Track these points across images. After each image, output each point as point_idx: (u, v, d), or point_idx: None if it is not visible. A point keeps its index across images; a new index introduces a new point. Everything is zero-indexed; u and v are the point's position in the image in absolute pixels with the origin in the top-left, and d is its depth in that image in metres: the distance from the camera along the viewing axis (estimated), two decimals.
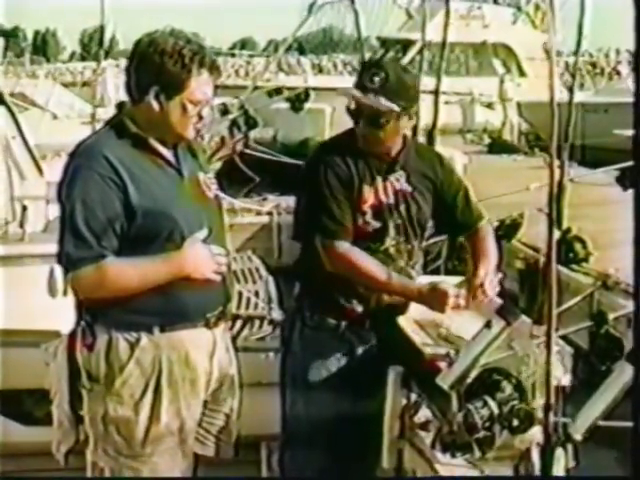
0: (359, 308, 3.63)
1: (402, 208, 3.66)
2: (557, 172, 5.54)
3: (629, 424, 2.30)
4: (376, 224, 3.61)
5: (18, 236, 5.61)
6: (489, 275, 3.57)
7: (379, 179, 3.62)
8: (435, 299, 3.45)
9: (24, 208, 5.69)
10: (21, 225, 5.64)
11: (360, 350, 3.66)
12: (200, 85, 3.06)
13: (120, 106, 3.20)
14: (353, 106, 3.57)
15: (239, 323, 4.59)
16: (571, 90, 6.18)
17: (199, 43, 3.10)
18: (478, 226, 3.83)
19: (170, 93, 3.04)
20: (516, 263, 6.87)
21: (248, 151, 9.22)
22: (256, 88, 8.90)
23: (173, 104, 3.05)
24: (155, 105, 3.05)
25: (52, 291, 4.85)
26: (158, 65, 3.01)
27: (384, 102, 3.51)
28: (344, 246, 3.52)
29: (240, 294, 5.19)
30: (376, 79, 3.51)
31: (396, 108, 3.53)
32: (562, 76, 7.13)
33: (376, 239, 3.62)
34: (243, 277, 5.73)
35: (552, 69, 2.48)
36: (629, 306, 4.89)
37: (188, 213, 3.12)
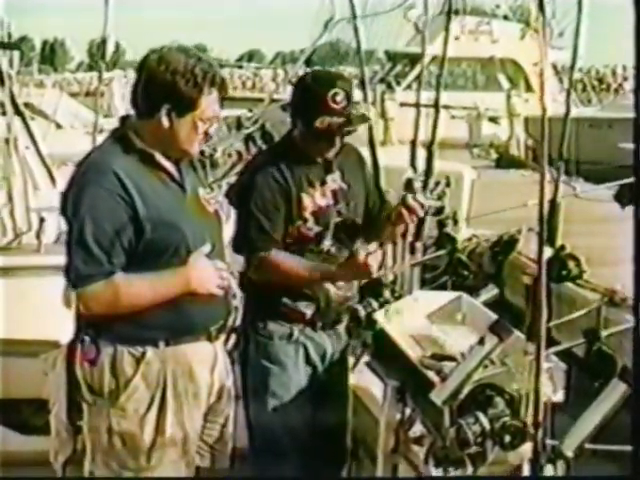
0: (309, 311, 3.68)
1: (341, 206, 3.74)
2: (551, 188, 5.53)
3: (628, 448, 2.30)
4: (317, 228, 3.68)
5: (33, 247, 5.54)
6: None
7: (317, 184, 3.69)
8: (358, 268, 3.52)
9: (42, 220, 5.63)
10: (38, 236, 5.56)
11: (315, 354, 3.73)
12: (210, 103, 3.08)
13: (124, 119, 3.21)
14: (323, 125, 3.58)
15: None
16: (567, 106, 6.23)
17: (208, 61, 3.11)
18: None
19: (182, 111, 3.05)
20: (523, 278, 6.85)
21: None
22: (272, 101, 8.91)
23: (184, 121, 3.07)
24: (165, 122, 3.06)
25: (67, 302, 4.84)
26: (170, 84, 3.02)
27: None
28: (264, 254, 3.59)
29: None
30: (342, 99, 3.57)
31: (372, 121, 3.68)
32: (568, 92, 7.15)
33: (317, 241, 3.70)
34: None
35: (542, 83, 2.50)
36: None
37: (192, 228, 3.14)
